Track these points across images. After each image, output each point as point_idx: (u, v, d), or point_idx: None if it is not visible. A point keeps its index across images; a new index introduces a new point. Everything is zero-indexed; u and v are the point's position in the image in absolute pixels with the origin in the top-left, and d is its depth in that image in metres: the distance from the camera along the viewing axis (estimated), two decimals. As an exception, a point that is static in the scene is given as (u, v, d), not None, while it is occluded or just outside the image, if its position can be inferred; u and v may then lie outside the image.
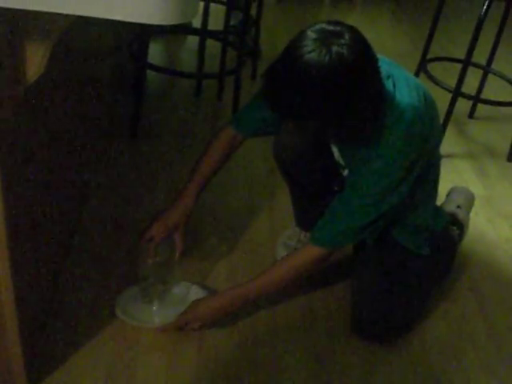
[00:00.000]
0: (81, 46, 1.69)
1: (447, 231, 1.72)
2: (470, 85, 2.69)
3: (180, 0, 0.87)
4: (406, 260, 1.58)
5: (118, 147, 2.22)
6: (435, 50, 2.84)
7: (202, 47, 2.56)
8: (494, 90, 2.82)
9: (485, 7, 2.21)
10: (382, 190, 1.35)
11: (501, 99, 2.62)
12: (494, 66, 2.72)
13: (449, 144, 2.48)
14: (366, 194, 1.36)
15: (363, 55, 1.19)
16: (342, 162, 1.52)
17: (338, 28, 1.18)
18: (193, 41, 2.96)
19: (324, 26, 1.18)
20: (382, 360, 1.52)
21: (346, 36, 1.16)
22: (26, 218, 1.23)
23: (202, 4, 2.48)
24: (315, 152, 1.57)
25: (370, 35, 1.23)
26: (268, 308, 1.62)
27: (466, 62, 2.31)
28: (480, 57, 2.62)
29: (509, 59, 3.31)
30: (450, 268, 1.75)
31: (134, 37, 2.41)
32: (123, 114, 2.39)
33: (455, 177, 2.31)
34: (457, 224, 1.80)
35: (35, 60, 0.99)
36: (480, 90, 2.75)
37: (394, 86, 1.33)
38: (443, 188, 1.77)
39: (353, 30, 1.19)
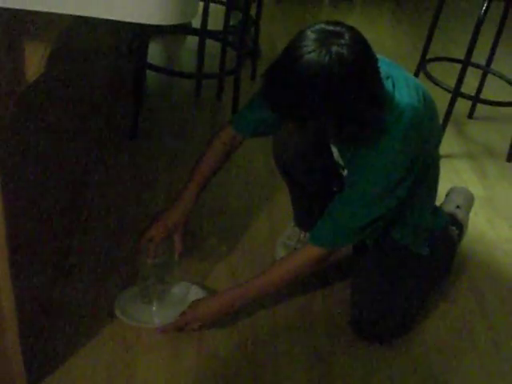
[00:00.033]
0: (81, 46, 1.69)
1: (447, 231, 1.72)
2: (470, 85, 2.69)
3: (179, 0, 0.88)
4: (405, 260, 1.58)
5: (117, 147, 2.22)
6: (435, 50, 2.83)
7: (201, 47, 2.56)
8: (494, 90, 2.82)
9: (484, 7, 2.21)
10: (382, 190, 1.35)
11: (500, 99, 2.62)
12: (493, 66, 2.72)
13: (448, 144, 2.48)
14: (366, 194, 1.36)
15: (363, 55, 1.19)
16: (341, 162, 1.52)
17: (338, 28, 1.18)
18: (192, 41, 2.95)
19: (324, 26, 1.18)
20: (382, 360, 1.52)
21: (346, 36, 1.16)
22: (25, 217, 1.23)
23: (201, 4, 2.48)
24: (315, 152, 1.57)
25: (369, 35, 1.23)
26: (268, 308, 1.61)
27: (466, 62, 2.31)
28: (479, 57, 2.62)
29: (508, 59, 3.31)
30: (449, 268, 1.75)
31: (134, 37, 2.41)
32: (123, 114, 2.39)
33: (454, 177, 2.31)
34: (456, 224, 1.80)
35: (34, 60, 0.99)
36: (479, 90, 2.75)
37: (394, 86, 1.33)
38: (442, 188, 1.77)
39: (353, 30, 1.19)
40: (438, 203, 1.73)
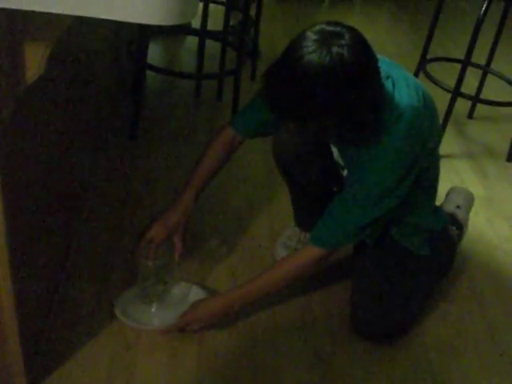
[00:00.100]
0: (81, 47, 1.69)
1: (447, 231, 1.72)
2: (470, 85, 2.69)
3: (179, 1, 0.88)
4: (405, 260, 1.58)
5: (118, 147, 2.22)
6: (434, 50, 2.84)
7: (201, 48, 2.57)
8: (494, 90, 2.82)
9: (484, 7, 2.21)
10: (382, 191, 1.35)
11: (500, 99, 2.62)
12: (493, 66, 2.72)
13: (448, 144, 2.48)
14: (366, 195, 1.36)
15: (363, 55, 1.19)
16: (341, 162, 1.52)
17: (338, 29, 1.18)
18: (192, 41, 2.96)
19: (324, 26, 1.18)
20: (382, 360, 1.52)
21: (346, 36, 1.16)
22: (25, 218, 1.23)
23: (201, 4, 2.48)
24: (315, 152, 1.57)
25: (369, 35, 1.23)
26: (268, 308, 1.62)
27: (466, 62, 2.31)
28: (479, 57, 2.62)
29: (508, 59, 3.31)
30: (449, 268, 1.75)
31: (134, 37, 2.41)
32: (123, 114, 2.39)
33: (454, 177, 2.31)
34: (456, 224, 1.80)
35: (34, 60, 0.99)
36: (479, 90, 2.75)
37: (394, 86, 1.33)
38: (442, 188, 1.77)
39: (353, 30, 1.19)
40: (438, 203, 1.73)
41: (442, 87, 2.47)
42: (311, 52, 1.14)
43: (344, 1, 4.33)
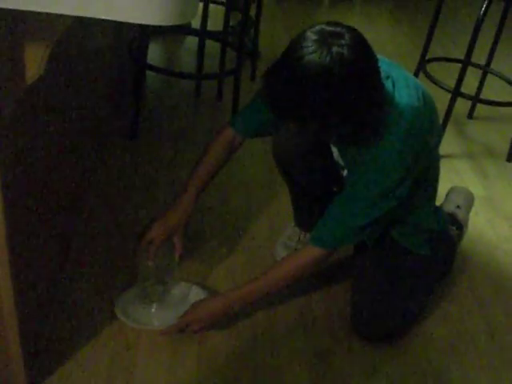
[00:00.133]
0: (81, 47, 1.69)
1: (447, 231, 1.72)
2: (470, 85, 2.69)
3: (179, 1, 0.88)
4: (405, 260, 1.58)
5: (117, 147, 2.22)
6: (434, 50, 2.84)
7: (201, 48, 2.57)
8: (494, 90, 2.82)
9: (484, 7, 2.21)
10: (382, 191, 1.35)
11: (500, 99, 2.62)
12: (493, 66, 2.72)
13: (448, 144, 2.48)
14: (366, 195, 1.36)
15: (364, 55, 1.19)
16: (341, 162, 1.52)
17: (338, 29, 1.18)
18: (192, 41, 2.96)
19: (324, 26, 1.18)
20: (382, 360, 1.52)
21: (346, 36, 1.16)
22: (25, 217, 1.23)
23: (201, 5, 2.48)
24: (315, 152, 1.57)
25: (369, 35, 1.23)
26: (268, 308, 1.62)
27: (466, 62, 2.31)
28: (479, 57, 2.62)
29: (508, 59, 3.31)
30: (449, 268, 1.75)
31: (134, 37, 2.41)
32: (123, 114, 2.39)
33: (454, 177, 2.31)
34: (456, 224, 1.80)
35: (34, 61, 0.99)
36: (479, 90, 2.75)
37: (394, 86, 1.33)
38: (442, 188, 1.77)
39: (353, 30, 1.19)
40: (438, 203, 1.73)
41: (441, 87, 2.47)
42: (311, 52, 1.14)
43: (344, 1, 4.33)
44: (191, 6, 0.92)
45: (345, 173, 1.53)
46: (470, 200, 1.94)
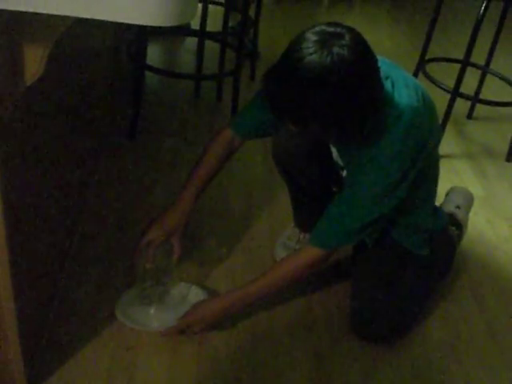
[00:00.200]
0: (80, 47, 1.69)
1: (446, 231, 1.72)
2: (469, 85, 2.69)
3: (179, 1, 0.88)
4: (405, 260, 1.58)
5: (117, 148, 2.22)
6: (434, 51, 2.84)
7: (200, 48, 2.57)
8: (493, 90, 2.83)
9: (483, 7, 2.21)
10: (381, 191, 1.35)
11: (499, 99, 2.62)
12: (492, 66, 2.72)
13: (447, 144, 2.48)
14: (365, 195, 1.36)
15: (364, 56, 1.19)
16: (340, 162, 1.52)
17: (338, 29, 1.18)
18: (191, 42, 2.96)
19: (324, 27, 1.18)
20: (382, 360, 1.52)
21: (347, 37, 1.16)
22: (25, 217, 1.23)
23: (200, 5, 2.48)
24: (314, 152, 1.57)
25: (368, 36, 1.23)
26: (268, 308, 1.62)
27: (465, 63, 2.31)
28: (478, 57, 2.63)
29: (507, 59, 3.31)
30: (449, 268, 1.75)
31: (133, 38, 2.41)
32: (122, 115, 2.39)
33: (454, 177, 2.31)
34: (456, 224, 1.80)
35: (34, 61, 0.99)
36: (478, 90, 2.75)
37: (393, 86, 1.33)
38: (442, 188, 1.77)
39: (353, 31, 1.19)
40: (437, 203, 1.73)
41: (441, 87, 2.47)
42: (312, 53, 1.14)
43: (343, 1, 4.34)
44: (190, 6, 0.92)
45: (344, 173, 1.53)
46: (469, 200, 1.94)
